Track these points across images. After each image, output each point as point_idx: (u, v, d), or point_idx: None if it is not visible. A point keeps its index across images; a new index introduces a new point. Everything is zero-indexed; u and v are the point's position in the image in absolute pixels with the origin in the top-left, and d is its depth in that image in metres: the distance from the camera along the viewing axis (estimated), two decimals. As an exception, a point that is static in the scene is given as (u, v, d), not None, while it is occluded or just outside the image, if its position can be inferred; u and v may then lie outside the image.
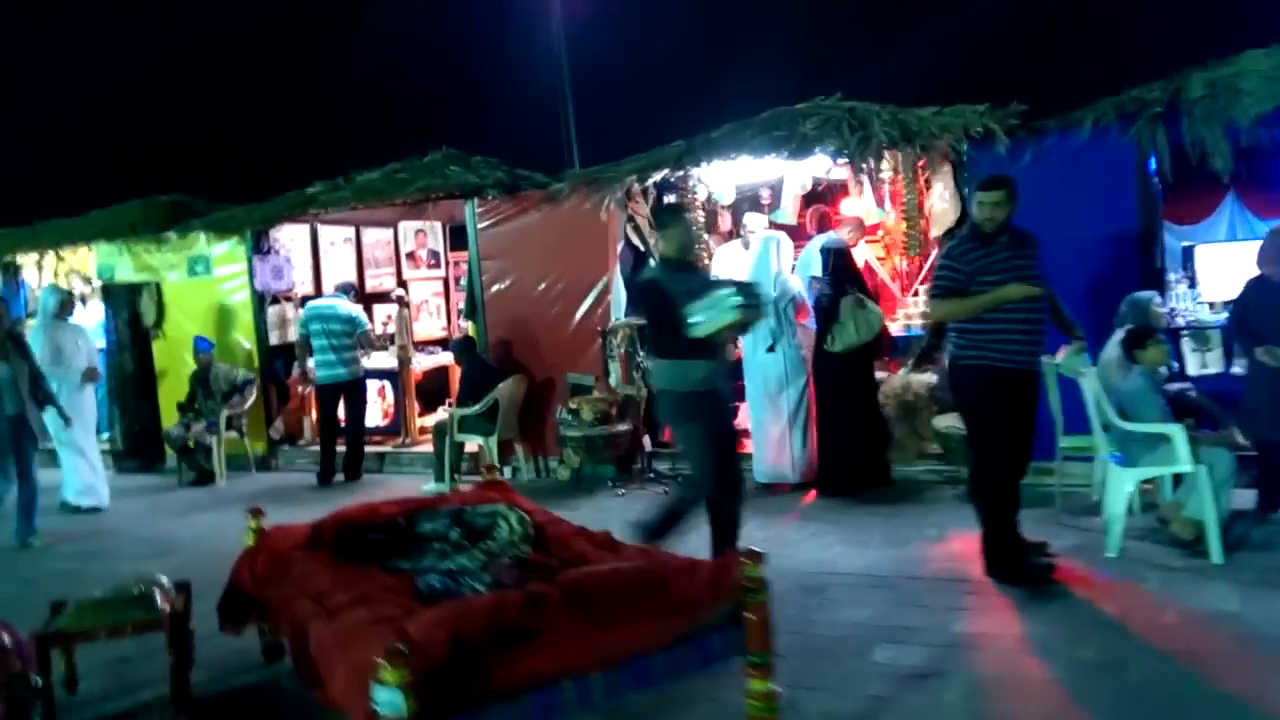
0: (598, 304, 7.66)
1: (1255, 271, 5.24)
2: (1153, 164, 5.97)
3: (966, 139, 6.17)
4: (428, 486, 7.78)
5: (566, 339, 7.85)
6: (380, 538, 3.98)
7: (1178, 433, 4.68)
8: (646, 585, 2.89)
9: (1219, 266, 6.66)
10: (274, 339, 9.48)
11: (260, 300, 9.35)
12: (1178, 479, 5.03)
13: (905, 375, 6.91)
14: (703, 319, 4.18)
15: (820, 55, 8.02)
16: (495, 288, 8.12)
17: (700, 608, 2.86)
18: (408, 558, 3.83)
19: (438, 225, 11.38)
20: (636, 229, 7.58)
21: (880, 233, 8.17)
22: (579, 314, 7.77)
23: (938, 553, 5.17)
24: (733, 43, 9.10)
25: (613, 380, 7.47)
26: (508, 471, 8.01)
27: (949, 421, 6.28)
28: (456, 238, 11.48)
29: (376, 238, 10.86)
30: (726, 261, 7.97)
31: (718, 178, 7.68)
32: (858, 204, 8.25)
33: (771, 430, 6.81)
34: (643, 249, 7.66)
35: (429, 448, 8.45)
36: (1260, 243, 5.29)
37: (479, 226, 8.15)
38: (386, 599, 3.28)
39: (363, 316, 8.45)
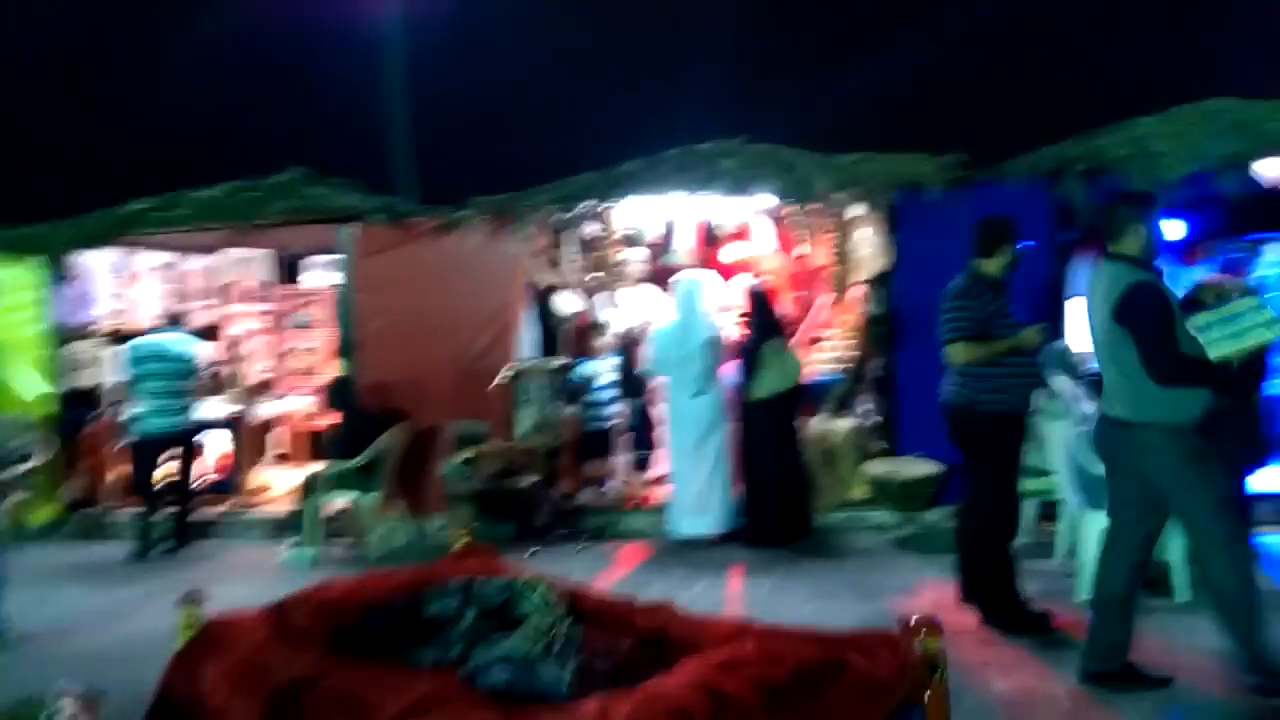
0: (495, 344, 7.01)
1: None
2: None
3: (903, 187, 6.21)
4: (290, 555, 6.74)
5: (455, 384, 7.11)
6: (380, 624, 3.20)
7: (1152, 476, 4.76)
8: (830, 671, 2.41)
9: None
10: (72, 382, 7.99)
11: (58, 336, 7.86)
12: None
13: (823, 421, 6.78)
14: (1219, 335, 3.40)
15: (744, 95, 7.92)
16: (372, 325, 7.25)
17: (890, 693, 2.42)
18: (429, 647, 3.09)
19: (264, 254, 10.16)
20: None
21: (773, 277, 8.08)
22: (470, 354, 7.07)
23: (918, 604, 4.97)
24: (615, 75, 8.82)
25: (523, 429, 6.82)
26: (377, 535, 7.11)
27: (884, 467, 6.18)
28: (290, 270, 10.41)
29: (194, 267, 9.51)
30: (640, 304, 7.61)
31: (642, 214, 7.30)
32: (744, 248, 8.16)
33: (693, 480, 6.44)
34: (541, 286, 7.13)
35: (273, 510, 7.42)
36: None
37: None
38: (456, 705, 2.58)
39: (203, 355, 7.28)
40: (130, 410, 7.04)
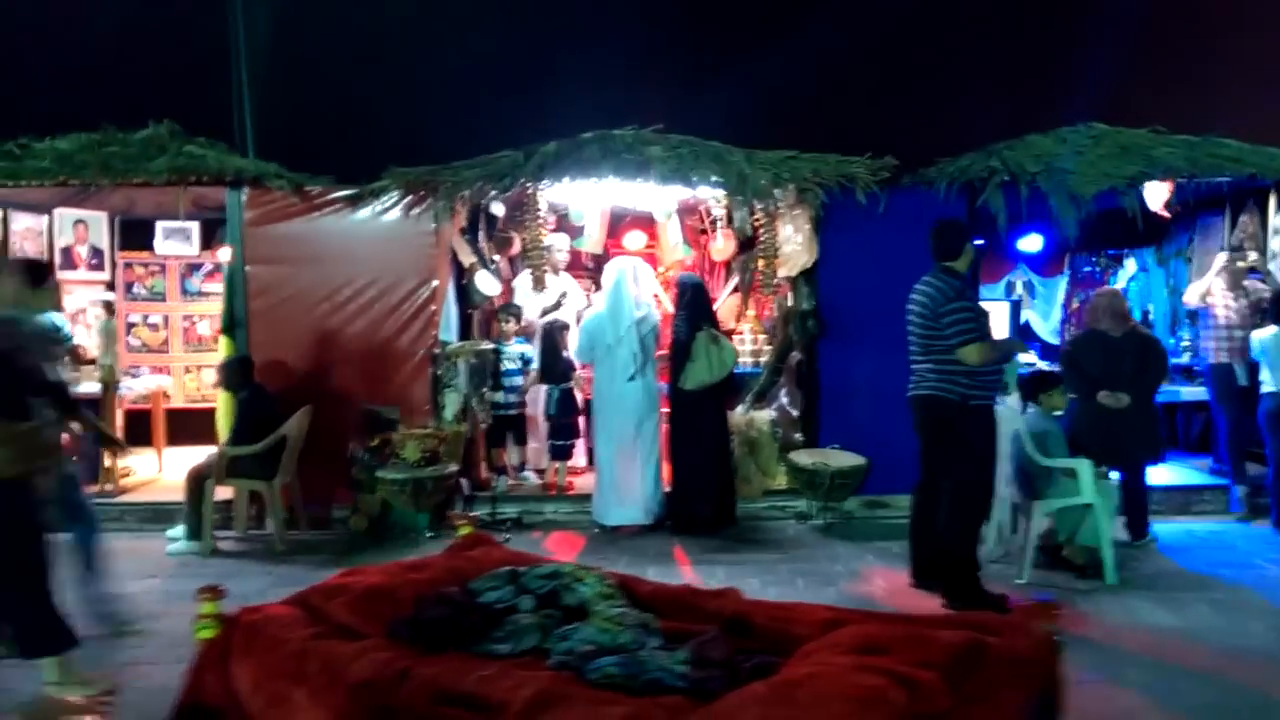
0: (411, 322, 6.62)
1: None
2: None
3: (833, 186, 6.40)
4: (175, 547, 6.10)
5: (364, 364, 6.66)
6: (438, 614, 2.94)
7: (1085, 468, 5.16)
8: (977, 652, 2.43)
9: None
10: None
11: None
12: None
13: (745, 412, 6.87)
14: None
15: (647, 84, 7.86)
16: (265, 299, 6.65)
17: (1035, 670, 2.47)
18: (498, 637, 2.87)
19: (102, 216, 9.13)
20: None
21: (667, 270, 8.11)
22: (382, 334, 6.65)
23: (874, 590, 5.13)
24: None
25: (448, 413, 6.46)
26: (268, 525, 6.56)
27: (812, 458, 6.32)
28: (128, 235, 9.40)
29: (26, 225, 8.39)
30: (560, 287, 7.43)
31: (575, 196, 7.10)
32: (642, 237, 8.16)
33: (623, 468, 6.35)
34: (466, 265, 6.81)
35: (141, 497, 6.74)
36: (1092, 299, 6.12)
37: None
38: (581, 699, 2.41)
39: (68, 326, 6.44)
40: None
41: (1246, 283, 6.56)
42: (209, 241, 8.69)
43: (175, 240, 9.26)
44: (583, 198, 7.32)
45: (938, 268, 4.81)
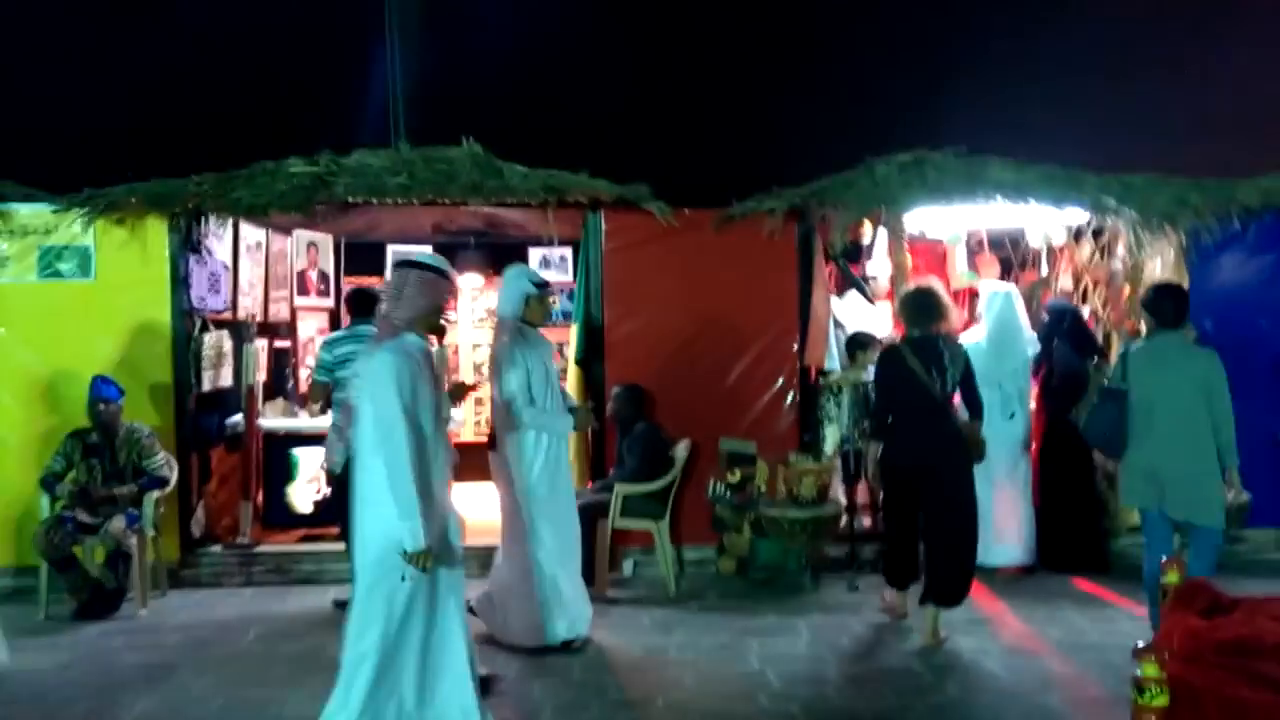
0: (771, 350, 6.34)
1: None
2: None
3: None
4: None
5: (718, 396, 6.35)
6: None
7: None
8: None
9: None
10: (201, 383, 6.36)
11: (187, 324, 6.21)
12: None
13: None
14: None
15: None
16: (623, 328, 6.31)
17: None
18: None
19: (328, 239, 8.68)
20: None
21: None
22: (740, 364, 6.35)
23: None
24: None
25: (829, 447, 6.15)
26: (626, 567, 6.20)
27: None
28: (356, 258, 8.95)
29: (279, 248, 7.91)
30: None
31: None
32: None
33: (1000, 507, 6.11)
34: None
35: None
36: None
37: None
38: None
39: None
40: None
41: None
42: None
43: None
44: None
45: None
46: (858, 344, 6.30)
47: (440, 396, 3.59)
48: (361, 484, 3.39)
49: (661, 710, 4.09)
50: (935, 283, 5.22)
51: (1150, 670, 2.59)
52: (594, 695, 4.22)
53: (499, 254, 8.35)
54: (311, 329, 8.49)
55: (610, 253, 6.32)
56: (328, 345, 5.56)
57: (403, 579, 3.30)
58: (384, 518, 3.30)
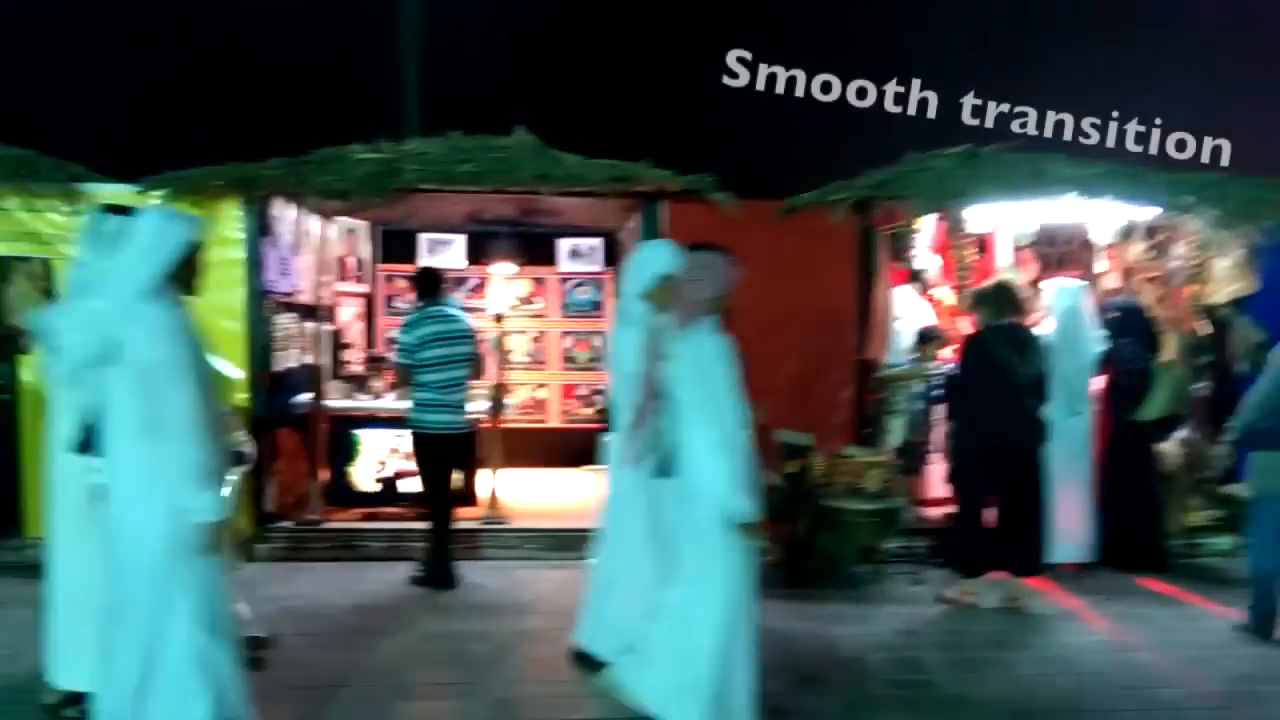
0: (830, 341, 6.30)
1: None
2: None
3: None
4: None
5: (775, 387, 6.25)
6: None
7: None
8: None
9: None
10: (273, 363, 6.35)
11: (261, 306, 6.17)
12: None
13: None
14: None
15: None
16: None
17: None
18: None
19: (364, 226, 8.59)
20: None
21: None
22: (799, 357, 6.29)
23: None
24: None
25: (893, 441, 6.10)
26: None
27: (1234, 489, 6.14)
28: (389, 246, 8.88)
29: (323, 235, 7.81)
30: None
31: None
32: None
33: (1063, 504, 6.07)
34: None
35: (539, 524, 6.29)
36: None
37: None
38: None
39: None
40: (412, 401, 5.60)
41: None
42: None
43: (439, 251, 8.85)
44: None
45: None
46: (927, 338, 6.28)
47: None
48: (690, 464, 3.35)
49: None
50: (1014, 275, 5.27)
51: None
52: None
53: (529, 244, 8.44)
54: (349, 314, 8.41)
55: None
56: (407, 328, 5.52)
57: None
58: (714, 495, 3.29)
